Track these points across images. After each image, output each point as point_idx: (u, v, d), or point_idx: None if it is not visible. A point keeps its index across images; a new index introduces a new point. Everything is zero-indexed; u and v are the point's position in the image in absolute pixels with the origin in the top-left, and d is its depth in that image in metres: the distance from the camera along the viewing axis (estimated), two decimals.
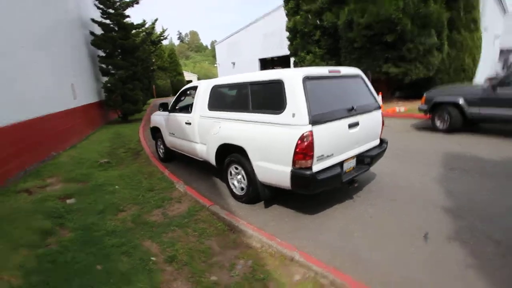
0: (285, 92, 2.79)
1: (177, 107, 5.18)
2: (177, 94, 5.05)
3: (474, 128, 6.51)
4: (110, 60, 10.77)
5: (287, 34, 13.70)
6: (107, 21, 10.84)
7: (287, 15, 13.14)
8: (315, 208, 3.27)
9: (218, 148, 3.69)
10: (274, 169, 2.91)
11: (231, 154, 3.60)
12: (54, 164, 5.64)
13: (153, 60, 11.61)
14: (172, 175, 4.69)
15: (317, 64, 12.19)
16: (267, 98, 3.05)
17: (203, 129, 4.04)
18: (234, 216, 3.09)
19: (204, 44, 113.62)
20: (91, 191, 4.12)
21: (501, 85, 5.52)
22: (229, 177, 3.74)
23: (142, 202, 3.68)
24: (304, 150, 2.61)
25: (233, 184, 3.70)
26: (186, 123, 4.44)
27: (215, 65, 34.38)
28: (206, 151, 4.02)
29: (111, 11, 10.69)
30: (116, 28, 10.88)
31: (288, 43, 13.65)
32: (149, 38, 11.33)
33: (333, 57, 11.91)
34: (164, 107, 5.15)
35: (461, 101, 5.98)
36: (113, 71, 11.05)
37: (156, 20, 11.40)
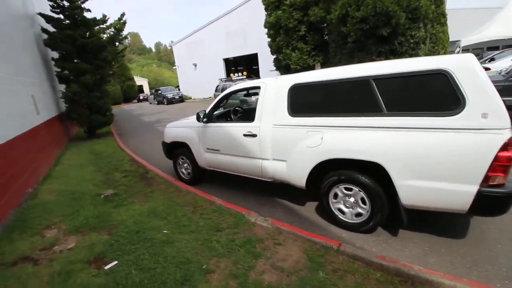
0: (459, 86, 2.09)
1: (214, 117, 4.11)
2: (217, 99, 3.97)
3: None
4: (70, 64, 8.73)
5: (266, 30, 13.05)
6: (61, 16, 8.79)
7: (266, 9, 12.47)
8: (460, 229, 2.68)
9: (317, 165, 2.84)
10: (442, 189, 2.20)
11: (337, 171, 2.79)
12: (38, 206, 4.05)
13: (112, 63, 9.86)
14: (229, 203, 3.64)
15: (304, 61, 11.81)
16: (417, 96, 2.31)
17: (282, 141, 3.12)
18: (396, 260, 2.27)
19: (148, 46, 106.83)
20: (131, 243, 2.88)
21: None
22: (332, 201, 2.92)
23: (226, 253, 2.62)
24: (507, 162, 1.95)
25: (339, 209, 2.89)
26: (245, 135, 3.45)
27: (174, 67, 32.04)
28: (288, 169, 3.12)
29: (65, 3, 8.66)
30: (73, 25, 8.87)
31: (269, 39, 13.00)
32: (119, 36, 9.52)
33: (320, 53, 11.65)
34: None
35: None
36: (72, 77, 8.99)
37: (123, 14, 9.62)
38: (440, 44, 11.48)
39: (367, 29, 9.17)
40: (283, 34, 11.91)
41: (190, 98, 27.38)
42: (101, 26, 9.38)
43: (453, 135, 2.11)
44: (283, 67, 12.53)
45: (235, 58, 24.26)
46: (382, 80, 2.46)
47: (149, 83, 55.12)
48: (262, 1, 12.44)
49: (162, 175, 5.11)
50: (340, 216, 2.90)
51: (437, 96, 2.22)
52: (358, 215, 2.78)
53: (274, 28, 12.23)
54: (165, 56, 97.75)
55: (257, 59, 21.47)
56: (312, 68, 11.95)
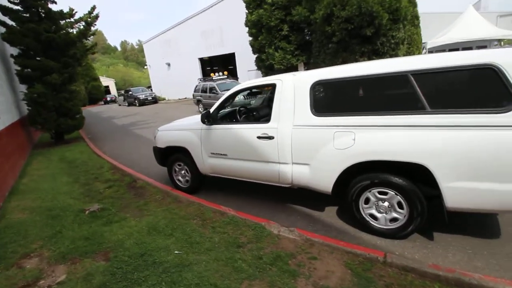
0: (511, 81, 1.96)
1: (219, 117, 3.73)
2: (223, 99, 3.59)
3: None
4: (34, 61, 7.71)
5: (247, 29, 12.75)
6: (20, 7, 7.74)
7: (247, 7, 12.16)
8: (491, 228, 2.59)
9: (347, 168, 2.61)
10: (492, 190, 2.06)
11: (368, 174, 2.58)
12: (9, 229, 3.38)
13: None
14: (243, 213, 3.28)
15: (288, 61, 11.68)
16: (464, 92, 2.16)
17: (305, 143, 2.84)
18: (452, 269, 2.07)
19: (113, 45, 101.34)
20: (137, 269, 2.42)
21: None
22: (363, 206, 2.70)
23: (256, 274, 2.27)
24: None
25: (370, 215, 2.69)
26: (259, 137, 3.13)
27: (145, 66, 30.47)
28: (311, 174, 2.85)
29: None
30: (37, 18, 7.86)
31: (250, 38, 12.71)
32: (89, 30, 8.60)
33: (303, 53, 11.60)
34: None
35: None
36: (36, 76, 7.95)
37: (93, 7, 8.73)
38: (415, 45, 12.01)
39: (351, 29, 9.25)
40: (265, 33, 11.68)
41: (164, 99, 26.20)
42: (69, 20, 8.43)
43: (504, 132, 1.97)
44: (266, 67, 12.31)
45: (211, 57, 23.62)
46: (422, 75, 2.28)
47: (116, 84, 52.09)
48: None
49: (155, 184, 4.59)
50: (372, 222, 2.69)
51: (486, 92, 2.09)
52: (393, 220, 2.59)
53: (256, 27, 11.96)
54: (132, 56, 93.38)
55: (234, 59, 21.08)
56: (295, 68, 11.88)
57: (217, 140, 3.55)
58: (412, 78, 2.31)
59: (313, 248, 2.52)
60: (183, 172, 4.19)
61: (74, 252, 2.80)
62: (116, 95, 40.44)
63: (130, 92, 24.99)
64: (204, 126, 3.64)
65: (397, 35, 9.67)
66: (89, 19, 8.30)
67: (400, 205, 2.51)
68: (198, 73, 23.59)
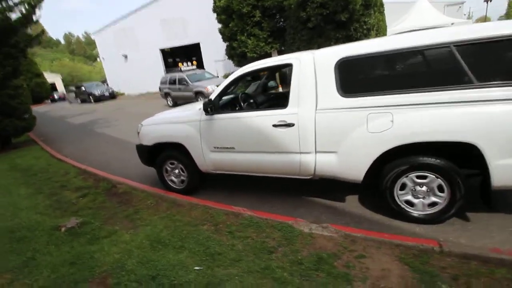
0: None
1: (220, 105, 3.25)
2: (225, 84, 3.09)
3: None
4: None
5: (215, 15, 12.04)
6: None
7: None
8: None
9: (383, 153, 2.37)
10: None
11: (405, 158, 2.38)
12: None
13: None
14: (260, 211, 2.90)
15: (261, 49, 11.28)
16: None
17: (332, 129, 2.54)
18: None
19: (55, 38, 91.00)
20: None
21: None
22: (398, 193, 2.50)
23: (303, 284, 1.93)
24: None
25: (407, 201, 2.50)
26: (275, 125, 2.75)
27: (98, 59, 27.63)
28: (340, 162, 2.57)
29: None
30: None
31: (219, 26, 12.03)
32: (32, 14, 7.20)
33: (276, 40, 11.29)
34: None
35: None
36: None
37: None
38: (382, 32, 12.37)
39: (326, 14, 9.14)
40: (236, 20, 11.11)
41: (122, 94, 24.14)
42: (7, 3, 6.98)
43: None
44: (238, 55, 11.79)
45: (173, 48, 22.17)
46: (466, 46, 2.09)
47: (63, 80, 46.86)
48: None
49: (142, 188, 3.96)
50: (408, 209, 2.51)
51: None
52: (432, 205, 2.43)
53: (225, 13, 11.31)
54: (78, 49, 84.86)
55: (200, 49, 20.04)
56: (269, 55, 11.54)
57: (221, 132, 3.09)
58: (455, 50, 2.11)
59: (356, 245, 2.26)
60: (176, 171, 3.65)
61: (60, 284, 2.19)
62: (65, 92, 36.39)
63: (83, 88, 22.58)
64: (204, 116, 3.14)
65: (369, 21, 9.82)
66: (32, 1, 6.94)
67: (440, 188, 2.35)
68: (160, 65, 22.06)
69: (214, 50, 18.36)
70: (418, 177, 2.39)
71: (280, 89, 10.21)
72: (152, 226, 2.95)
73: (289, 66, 2.75)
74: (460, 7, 24.61)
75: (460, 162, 2.29)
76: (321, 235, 2.41)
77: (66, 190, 4.41)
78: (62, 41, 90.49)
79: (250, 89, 6.07)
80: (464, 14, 28.02)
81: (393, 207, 2.55)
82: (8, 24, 6.63)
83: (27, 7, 6.90)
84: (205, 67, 19.46)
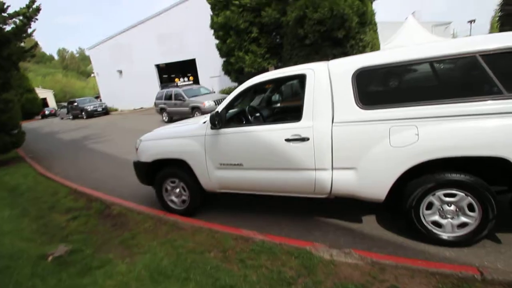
0: None
1: (227, 119, 3.05)
2: (233, 96, 2.90)
3: None
4: None
5: (213, 32, 12.12)
6: None
7: (212, 9, 11.55)
8: None
9: (407, 169, 2.18)
10: None
11: (430, 175, 2.19)
12: None
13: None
14: (272, 235, 2.64)
15: (259, 65, 11.31)
16: None
17: (351, 143, 2.35)
18: None
19: (48, 53, 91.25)
20: None
21: None
22: (424, 212, 2.30)
23: None
24: None
25: (434, 222, 2.29)
26: (288, 140, 2.55)
27: (92, 75, 27.51)
28: (359, 179, 2.37)
29: None
30: None
31: (217, 41, 12.09)
32: (28, 26, 7.03)
33: (273, 56, 11.36)
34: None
35: None
36: None
37: None
38: (376, 49, 12.62)
39: (323, 31, 9.26)
40: (234, 36, 11.19)
41: (116, 109, 23.82)
42: (1, 15, 6.82)
43: None
44: (235, 71, 11.78)
45: (169, 64, 22.23)
46: (493, 55, 1.97)
47: (55, 96, 46.43)
48: (207, 0, 11.48)
49: (139, 209, 3.65)
50: (436, 231, 2.30)
51: None
52: (462, 225, 2.22)
53: (223, 30, 11.40)
54: (72, 65, 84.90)
55: (195, 65, 20.13)
56: (266, 71, 11.57)
57: (229, 147, 2.87)
58: (481, 60, 1.99)
59: (386, 274, 2.01)
60: (177, 190, 3.38)
61: None
62: (56, 108, 35.84)
63: (76, 104, 22.19)
64: (209, 131, 2.93)
65: (365, 38, 9.98)
66: (27, 13, 6.80)
67: (470, 207, 2.16)
68: (155, 81, 22.00)
69: (209, 66, 18.47)
70: (446, 195, 2.20)
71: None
72: (151, 253, 2.65)
73: (302, 77, 2.59)
74: (446, 27, 25.72)
75: (486, 178, 2.12)
76: (345, 263, 2.16)
77: (54, 212, 4.06)
78: (56, 57, 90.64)
79: (254, 103, 5.92)
80: (451, 34, 29.22)
81: (419, 228, 2.33)
82: (1, 36, 6.42)
83: (22, 18, 6.73)
84: (200, 82, 19.50)
